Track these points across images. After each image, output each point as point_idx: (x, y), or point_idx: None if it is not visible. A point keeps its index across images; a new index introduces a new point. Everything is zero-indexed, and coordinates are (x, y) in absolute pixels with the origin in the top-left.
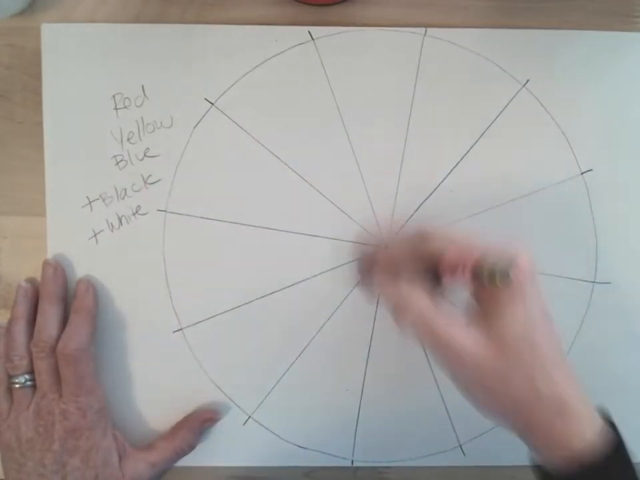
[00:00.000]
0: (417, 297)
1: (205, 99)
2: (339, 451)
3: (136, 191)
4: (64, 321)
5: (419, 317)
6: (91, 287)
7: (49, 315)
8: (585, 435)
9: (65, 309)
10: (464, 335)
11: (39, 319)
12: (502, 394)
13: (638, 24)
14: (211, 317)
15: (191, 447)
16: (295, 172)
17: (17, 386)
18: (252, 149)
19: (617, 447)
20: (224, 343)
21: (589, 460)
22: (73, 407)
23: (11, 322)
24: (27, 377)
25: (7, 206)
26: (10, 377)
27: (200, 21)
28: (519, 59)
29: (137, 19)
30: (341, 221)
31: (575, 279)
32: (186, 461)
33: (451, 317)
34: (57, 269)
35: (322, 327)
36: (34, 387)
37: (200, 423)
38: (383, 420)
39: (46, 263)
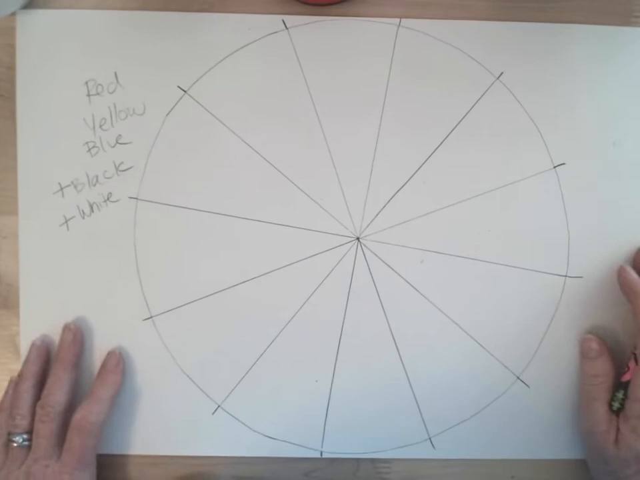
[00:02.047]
0: None
1: (178, 87)
2: (308, 442)
3: (107, 178)
4: (74, 387)
5: None
6: (122, 361)
7: (61, 381)
8: None
9: (78, 374)
10: None
11: (50, 382)
12: None
13: (637, 23)
14: (181, 306)
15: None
16: (267, 161)
17: (15, 444)
18: (224, 137)
19: None
20: (194, 332)
21: None
22: (66, 479)
23: (19, 379)
24: (25, 436)
25: (7, 206)
26: (9, 434)
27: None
28: (493, 52)
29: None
30: (313, 211)
31: (547, 272)
32: (153, 450)
33: None
34: (77, 335)
35: (293, 317)
36: (30, 447)
37: (116, 363)
38: (353, 412)
39: (66, 328)
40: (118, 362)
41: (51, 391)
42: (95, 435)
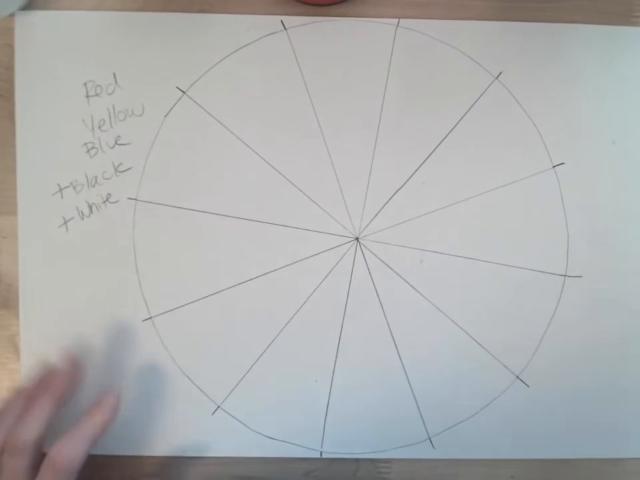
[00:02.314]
0: None
1: (177, 88)
2: (308, 442)
3: (106, 179)
4: (51, 420)
5: None
6: (117, 402)
7: (45, 414)
8: None
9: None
10: None
11: (32, 411)
12: None
13: (637, 23)
14: (181, 306)
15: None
16: (266, 161)
17: None
18: (223, 137)
19: None
20: (193, 332)
21: None
22: None
23: (4, 404)
24: None
25: (7, 206)
26: None
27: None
28: (492, 51)
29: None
30: (312, 212)
31: (546, 272)
32: (153, 450)
33: None
34: (76, 367)
35: (292, 318)
36: None
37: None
38: (352, 412)
39: (67, 358)
40: (116, 401)
41: (29, 422)
42: (70, 476)
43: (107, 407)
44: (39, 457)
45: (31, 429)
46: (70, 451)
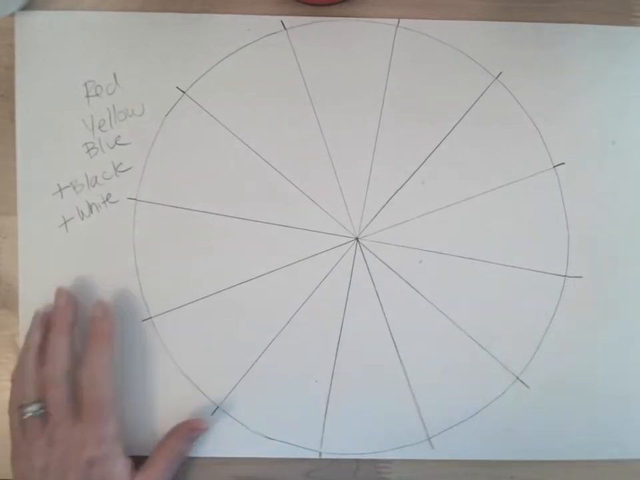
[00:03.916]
0: None
1: (177, 88)
2: (307, 443)
3: (106, 179)
4: (73, 349)
5: None
6: (109, 311)
7: (60, 345)
8: None
9: (76, 336)
10: None
11: (49, 348)
12: None
13: (637, 23)
14: (181, 307)
15: (181, 455)
16: (266, 161)
17: (29, 414)
18: (223, 137)
19: None
20: (193, 333)
21: None
22: (90, 434)
23: (23, 350)
24: (37, 405)
25: (7, 206)
26: (21, 407)
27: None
28: (492, 51)
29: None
30: (312, 212)
31: (546, 272)
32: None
33: None
34: (70, 298)
35: (291, 318)
36: (45, 416)
37: (188, 431)
38: (352, 412)
39: (59, 292)
40: (105, 312)
41: (52, 357)
42: (104, 386)
43: (103, 317)
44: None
45: (57, 360)
46: (94, 364)
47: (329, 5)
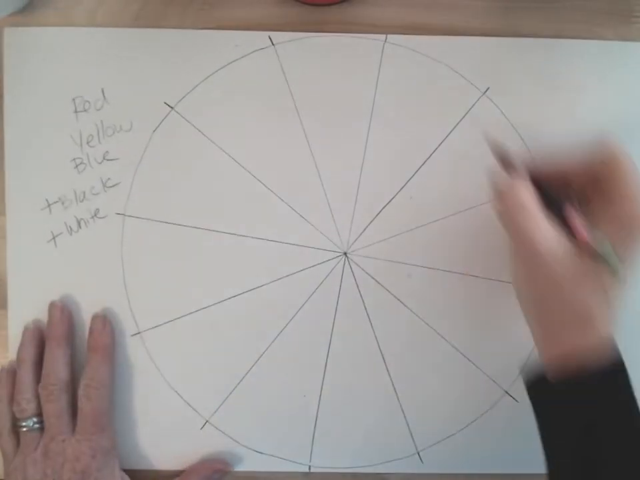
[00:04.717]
0: (525, 186)
1: (165, 103)
2: (296, 457)
3: (95, 194)
4: (71, 361)
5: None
6: (108, 323)
7: (57, 358)
8: (595, 351)
9: (72, 348)
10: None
11: (46, 361)
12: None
13: (638, 24)
14: (169, 321)
15: None
16: (254, 177)
17: (25, 429)
18: (211, 153)
19: (619, 369)
20: (182, 347)
21: (589, 371)
22: (85, 447)
23: (17, 365)
24: (34, 419)
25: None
26: (17, 420)
27: (199, 22)
28: (479, 67)
29: (136, 19)
30: (300, 227)
31: None
32: (141, 465)
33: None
34: (64, 310)
35: (280, 333)
36: (41, 429)
37: (210, 471)
38: (341, 426)
39: (52, 305)
40: (104, 324)
41: (49, 370)
42: (104, 398)
43: (101, 331)
44: (74, 397)
45: (55, 373)
46: (94, 377)
47: (329, 4)
